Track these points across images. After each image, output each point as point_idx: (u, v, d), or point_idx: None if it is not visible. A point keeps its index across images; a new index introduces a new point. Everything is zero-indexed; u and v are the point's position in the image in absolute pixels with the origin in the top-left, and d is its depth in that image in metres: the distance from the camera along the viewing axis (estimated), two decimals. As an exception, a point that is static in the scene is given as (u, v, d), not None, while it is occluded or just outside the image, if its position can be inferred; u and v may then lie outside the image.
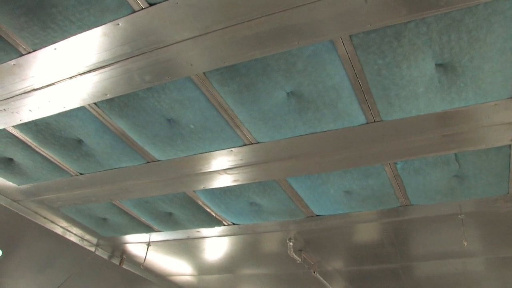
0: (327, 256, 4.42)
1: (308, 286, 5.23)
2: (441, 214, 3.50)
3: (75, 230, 4.46)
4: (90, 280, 4.93)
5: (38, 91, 2.57)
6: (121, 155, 3.07)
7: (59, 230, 4.39)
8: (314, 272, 4.19)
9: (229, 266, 5.04)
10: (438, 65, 2.15)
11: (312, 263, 4.09)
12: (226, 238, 4.24)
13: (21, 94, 2.61)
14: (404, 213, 3.50)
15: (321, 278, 4.39)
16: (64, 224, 4.35)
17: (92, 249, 4.76)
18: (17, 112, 2.76)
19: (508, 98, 2.30)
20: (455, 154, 2.79)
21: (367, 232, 4.05)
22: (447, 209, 3.44)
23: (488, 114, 2.42)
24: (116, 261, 4.99)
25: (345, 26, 2.00)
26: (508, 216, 3.55)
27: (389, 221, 3.70)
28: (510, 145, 2.68)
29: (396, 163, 2.91)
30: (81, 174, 3.41)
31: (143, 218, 4.00)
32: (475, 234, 3.92)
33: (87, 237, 4.60)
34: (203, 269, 5.21)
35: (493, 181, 3.07)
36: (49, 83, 2.51)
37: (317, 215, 3.56)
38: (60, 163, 3.30)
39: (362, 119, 2.53)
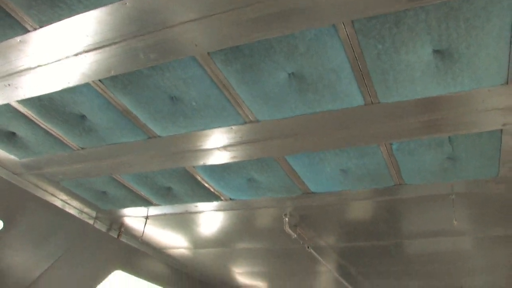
0: (322, 232, 4.54)
1: (302, 261, 5.36)
2: (433, 194, 3.61)
3: (74, 203, 4.53)
4: (88, 252, 5.01)
5: (43, 67, 2.62)
6: (123, 130, 3.14)
7: (58, 203, 4.46)
8: (308, 248, 4.30)
9: (225, 240, 5.16)
10: (436, 51, 2.22)
11: (307, 238, 4.21)
12: (223, 213, 4.34)
13: (26, 70, 2.66)
14: (397, 192, 3.60)
15: (315, 253, 4.51)
16: (64, 197, 4.41)
17: (91, 222, 4.84)
18: (21, 87, 2.81)
19: (502, 84, 2.38)
20: (449, 137, 2.88)
21: (361, 210, 4.16)
22: (439, 190, 3.54)
23: (482, 99, 2.50)
24: (114, 234, 5.07)
25: (347, 12, 2.06)
26: (497, 197, 3.66)
27: (382, 199, 3.80)
28: (501, 130, 2.76)
29: (391, 144, 2.99)
30: (82, 148, 3.47)
31: (142, 192, 4.07)
32: (465, 214, 4.03)
33: (86, 210, 4.67)
34: (199, 243, 5.32)
35: (484, 164, 3.17)
36: (54, 60, 2.56)
37: (313, 192, 3.65)
38: (62, 138, 3.35)
39: (360, 101, 2.60)
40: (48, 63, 2.58)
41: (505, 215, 4.01)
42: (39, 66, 2.61)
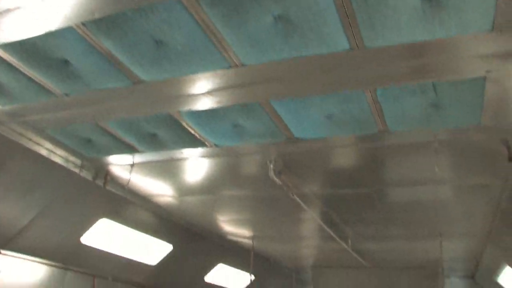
0: (306, 179, 4.61)
1: (286, 208, 5.46)
2: (416, 141, 3.67)
3: (59, 151, 4.51)
4: (74, 201, 5.04)
5: (24, 9, 2.55)
6: (107, 75, 3.10)
7: (44, 152, 4.44)
8: (292, 194, 4.37)
9: (210, 187, 5.22)
10: (423, -4, 2.21)
11: (291, 185, 4.27)
12: (208, 159, 4.37)
13: (5, 11, 2.58)
14: (381, 139, 3.65)
15: (299, 200, 4.59)
16: (49, 145, 4.39)
17: (77, 170, 4.84)
18: (1, 30, 2.74)
19: (487, 31, 2.38)
20: (433, 83, 2.90)
21: (345, 157, 4.22)
22: (422, 137, 3.60)
23: (468, 45, 2.52)
24: (100, 183, 5.09)
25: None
26: (478, 145, 3.74)
27: (366, 146, 3.86)
28: (485, 77, 2.78)
29: (376, 90, 3.01)
30: (66, 95, 3.43)
31: (127, 139, 4.07)
32: (446, 162, 4.11)
33: (72, 158, 4.66)
34: (185, 190, 5.38)
35: (467, 111, 3.22)
36: (35, 1, 2.49)
37: (298, 138, 3.68)
38: (45, 84, 3.30)
39: (345, 45, 2.59)
40: (28, 4, 2.51)
41: (485, 164, 4.10)
42: (18, 8, 2.54)
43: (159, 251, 6.72)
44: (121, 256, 6.18)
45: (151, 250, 6.59)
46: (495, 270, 7.55)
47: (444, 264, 8.70)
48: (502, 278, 7.73)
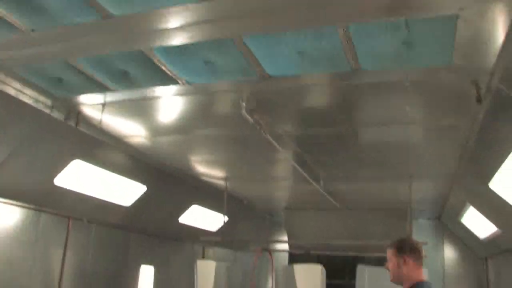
0: (279, 118, 4.63)
1: (259, 148, 5.49)
2: (388, 80, 3.69)
3: (28, 91, 4.40)
4: (46, 142, 4.98)
5: None
6: (76, 9, 2.99)
7: (12, 92, 4.32)
8: (265, 133, 4.39)
9: (183, 127, 5.21)
10: None
11: (264, 124, 4.28)
12: (180, 98, 4.34)
13: None
14: (354, 77, 3.66)
15: (271, 139, 4.62)
16: (17, 85, 4.27)
17: (47, 111, 4.75)
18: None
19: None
20: (406, 21, 2.89)
21: (318, 96, 4.24)
22: (394, 76, 3.62)
23: (441, -21, 2.50)
24: (72, 123, 5.02)
25: None
26: (449, 86, 3.78)
27: (339, 85, 3.87)
28: (458, 15, 2.78)
29: (348, 26, 3.00)
30: (33, 30, 3.31)
31: (98, 77, 3.99)
32: (417, 103, 4.17)
33: (42, 98, 4.57)
34: (158, 130, 5.36)
35: (438, 50, 3.24)
36: None
37: (270, 76, 3.67)
38: (9, 18, 3.18)
39: (318, -21, 2.56)
40: None
41: (455, 105, 4.17)
42: None
43: (133, 192, 6.77)
44: (95, 198, 6.21)
45: (125, 191, 6.63)
46: (460, 211, 7.84)
47: (413, 206, 9.00)
48: (465, 218, 8.05)
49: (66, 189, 5.62)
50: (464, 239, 9.66)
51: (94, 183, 6.02)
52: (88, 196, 6.08)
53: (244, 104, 3.96)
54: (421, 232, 9.53)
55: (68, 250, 6.19)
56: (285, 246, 10.85)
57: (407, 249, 3.60)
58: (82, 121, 5.03)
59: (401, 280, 3.62)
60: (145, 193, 6.84)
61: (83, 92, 4.40)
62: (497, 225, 6.66)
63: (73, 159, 5.37)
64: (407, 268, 3.55)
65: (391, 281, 3.68)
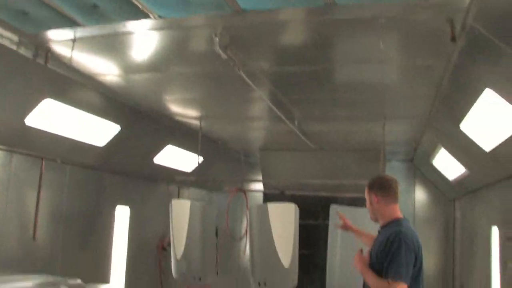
0: (253, 55, 4.55)
1: (233, 86, 5.43)
2: (363, 16, 3.64)
3: (-8, 26, 4.24)
4: (14, 81, 4.82)
5: None
6: None
7: (-26, 28, 4.16)
8: (239, 70, 4.33)
9: (156, 64, 5.10)
10: None
11: (237, 61, 4.21)
12: (153, 33, 4.22)
13: None
14: (329, 12, 3.58)
15: (245, 77, 4.57)
16: (-20, 21, 4.10)
17: (14, 47, 4.59)
18: None
19: None
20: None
21: (292, 32, 4.17)
22: (370, 12, 3.56)
23: None
24: (41, 61, 4.87)
25: None
26: (424, 24, 3.75)
27: (314, 20, 3.81)
28: None
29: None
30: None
31: (67, 11, 3.84)
32: (392, 41, 4.15)
33: (7, 34, 4.38)
34: (130, 67, 5.23)
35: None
36: None
37: (244, 9, 3.58)
38: None
39: None
40: None
41: (430, 44, 4.15)
42: None
43: (107, 132, 6.70)
44: (68, 138, 6.13)
45: (98, 131, 6.56)
46: (431, 153, 7.99)
47: (386, 148, 9.14)
48: (436, 161, 8.24)
49: (38, 129, 5.52)
50: (435, 182, 9.89)
51: (67, 123, 5.92)
52: (61, 137, 5.99)
53: (217, 39, 3.87)
54: (393, 174, 9.65)
55: (43, 191, 6.15)
56: (260, 187, 10.99)
57: (375, 186, 3.70)
58: (51, 58, 4.87)
59: (376, 217, 3.71)
60: (119, 133, 6.77)
61: (52, 27, 4.23)
62: (465, 166, 6.84)
63: (43, 98, 5.23)
64: (378, 205, 3.65)
65: (370, 219, 3.76)
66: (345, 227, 4.45)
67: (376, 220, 3.73)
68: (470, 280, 7.78)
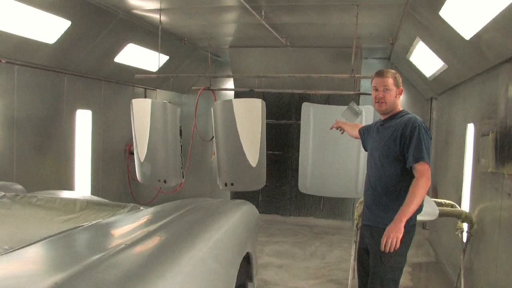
0: None
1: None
2: None
3: None
4: None
5: None
6: None
7: None
8: None
9: None
10: None
11: None
12: None
13: None
14: None
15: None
16: None
17: None
18: None
19: None
20: None
21: None
22: None
23: None
24: None
25: None
26: None
27: None
28: None
29: None
30: None
31: None
32: None
33: None
34: None
35: None
36: None
37: None
38: None
39: None
40: None
41: None
42: None
43: (56, 28, 6.10)
44: (12, 34, 5.56)
45: (46, 27, 5.96)
46: (409, 48, 7.61)
47: (362, 45, 8.72)
48: (414, 56, 7.89)
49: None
50: (412, 80, 9.64)
51: (9, 17, 5.36)
52: (3, 33, 5.43)
53: None
54: (370, 72, 9.34)
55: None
56: (231, 86, 10.60)
57: (399, 79, 3.80)
58: None
59: (390, 109, 3.75)
60: (69, 28, 6.17)
61: None
62: (444, 60, 6.49)
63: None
64: (398, 98, 3.78)
65: (382, 111, 3.76)
66: (338, 127, 4.62)
67: (388, 112, 3.74)
68: (443, 182, 7.73)
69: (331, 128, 4.70)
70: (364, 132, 4.14)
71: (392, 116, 3.72)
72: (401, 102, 3.84)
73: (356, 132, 4.33)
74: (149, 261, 2.43)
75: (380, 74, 3.72)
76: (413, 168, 3.41)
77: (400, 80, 3.74)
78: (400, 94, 3.72)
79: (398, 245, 3.26)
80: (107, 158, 8.59)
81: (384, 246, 3.26)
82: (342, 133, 4.63)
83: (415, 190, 3.32)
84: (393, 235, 3.24)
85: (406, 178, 3.49)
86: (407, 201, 3.32)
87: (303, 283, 6.10)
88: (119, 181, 9.11)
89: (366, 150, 4.08)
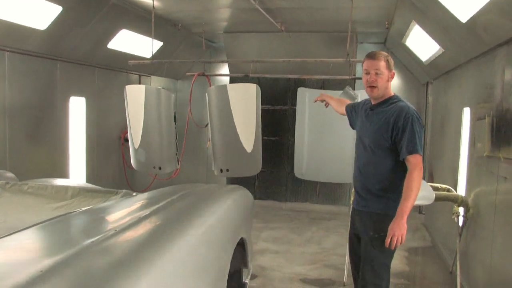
0: None
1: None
2: None
3: None
4: None
5: None
6: None
7: None
8: None
9: None
10: None
11: None
12: None
13: None
14: None
15: None
16: None
17: None
18: None
19: None
20: None
21: None
22: None
23: None
24: None
25: None
26: None
27: None
28: None
29: None
30: None
31: None
32: None
33: None
34: None
35: None
36: None
37: None
38: None
39: None
40: None
41: None
42: None
43: (47, 14, 6.00)
44: (2, 20, 5.47)
45: (37, 13, 5.87)
46: (404, 32, 7.54)
47: (357, 30, 8.64)
48: (409, 41, 7.82)
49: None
50: (407, 65, 9.58)
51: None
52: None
53: None
54: (365, 57, 9.36)
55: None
56: (226, 72, 10.52)
57: (391, 62, 3.66)
58: None
59: (382, 94, 3.63)
60: (61, 14, 6.08)
61: None
62: (440, 44, 6.42)
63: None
64: (390, 82, 3.66)
65: (374, 96, 3.65)
66: (322, 100, 4.57)
67: (379, 97, 3.62)
68: (439, 166, 7.70)
69: (315, 101, 4.65)
70: (352, 111, 4.04)
71: (383, 102, 3.62)
72: (397, 87, 3.78)
73: (342, 109, 4.22)
74: (139, 247, 2.39)
75: (371, 56, 3.58)
76: (406, 160, 3.37)
77: (392, 62, 3.60)
78: (392, 77, 3.60)
79: (403, 242, 3.24)
80: (102, 145, 8.53)
81: (389, 244, 3.24)
82: (326, 106, 4.56)
83: (411, 184, 3.28)
84: (398, 233, 3.20)
85: (399, 168, 3.45)
86: (405, 196, 3.27)
87: (299, 268, 6.09)
88: (114, 169, 9.06)
89: (353, 128, 4.02)
